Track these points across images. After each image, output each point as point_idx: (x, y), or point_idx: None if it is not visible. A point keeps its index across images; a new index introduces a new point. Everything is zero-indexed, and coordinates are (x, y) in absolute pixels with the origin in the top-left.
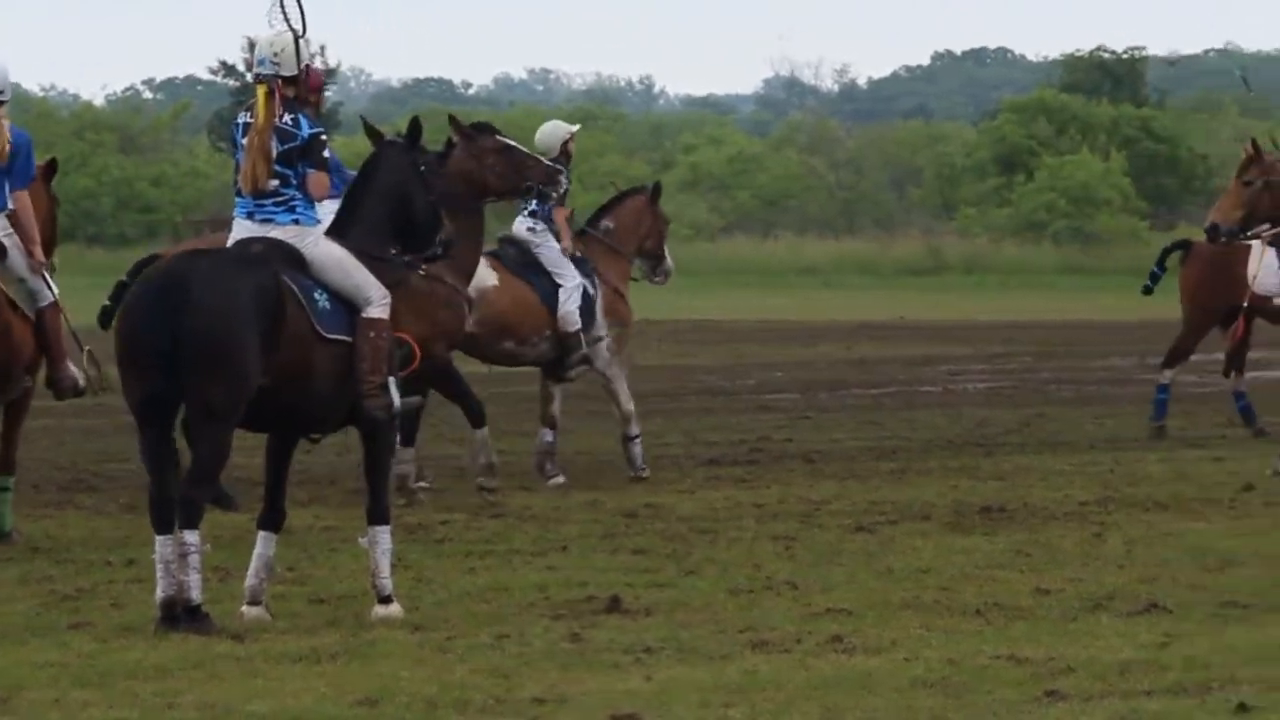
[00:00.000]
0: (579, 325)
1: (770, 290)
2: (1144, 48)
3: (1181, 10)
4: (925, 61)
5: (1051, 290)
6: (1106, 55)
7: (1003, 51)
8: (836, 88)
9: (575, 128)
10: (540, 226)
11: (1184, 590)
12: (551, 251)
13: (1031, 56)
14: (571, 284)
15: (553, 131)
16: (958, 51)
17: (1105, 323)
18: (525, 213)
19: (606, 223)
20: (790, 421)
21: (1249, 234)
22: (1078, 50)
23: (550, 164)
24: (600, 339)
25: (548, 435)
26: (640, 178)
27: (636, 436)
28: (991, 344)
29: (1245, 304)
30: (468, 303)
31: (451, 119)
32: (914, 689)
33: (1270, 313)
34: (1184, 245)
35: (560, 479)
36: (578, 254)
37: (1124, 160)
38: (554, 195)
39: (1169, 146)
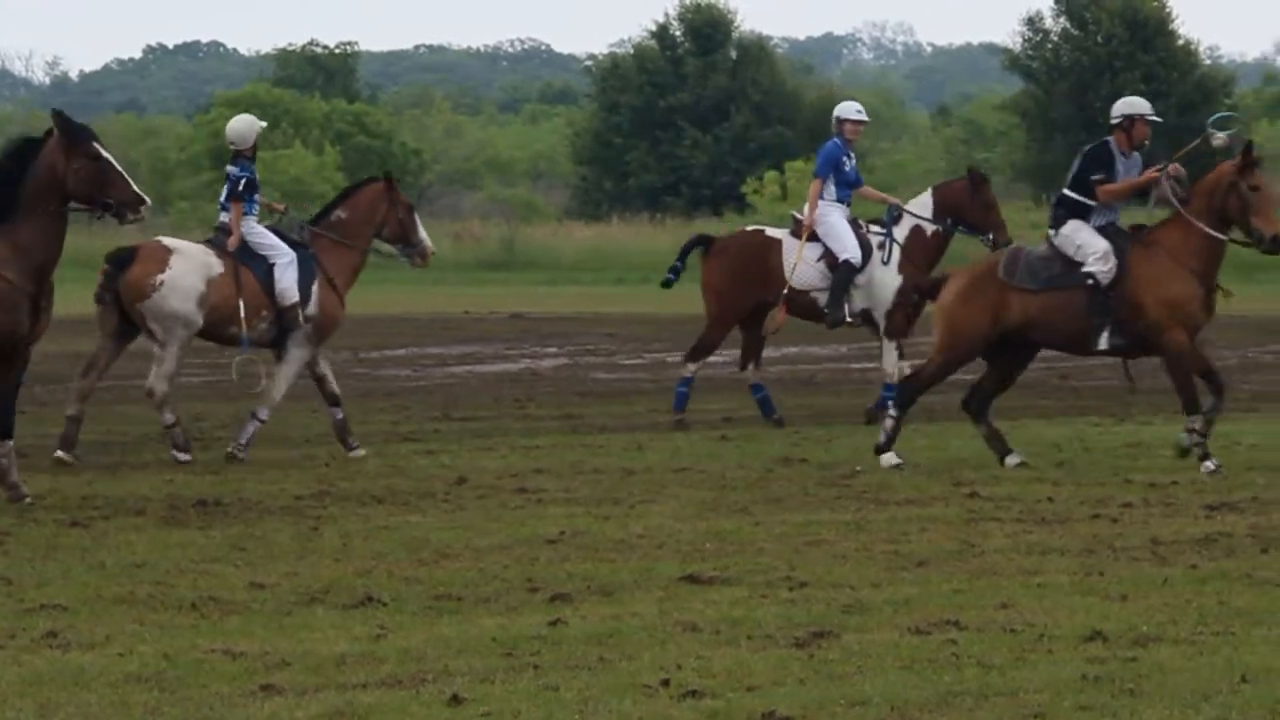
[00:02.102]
0: (296, 298)
1: None
2: (356, 43)
3: (391, 8)
4: (137, 55)
5: None
6: (319, 50)
7: (215, 45)
8: (49, 80)
9: (264, 124)
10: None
11: (399, 583)
12: (259, 235)
13: (244, 51)
14: (284, 259)
15: (249, 125)
16: (170, 45)
17: None
18: (222, 209)
19: (339, 213)
20: None
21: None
22: (290, 45)
23: (138, 192)
24: (311, 319)
25: (338, 414)
26: None
27: (264, 421)
28: None
29: (782, 297)
30: (31, 301)
31: (56, 113)
32: (128, 684)
33: (805, 306)
34: (705, 241)
35: (361, 451)
36: (297, 237)
37: (338, 155)
38: (131, 218)
39: (382, 141)
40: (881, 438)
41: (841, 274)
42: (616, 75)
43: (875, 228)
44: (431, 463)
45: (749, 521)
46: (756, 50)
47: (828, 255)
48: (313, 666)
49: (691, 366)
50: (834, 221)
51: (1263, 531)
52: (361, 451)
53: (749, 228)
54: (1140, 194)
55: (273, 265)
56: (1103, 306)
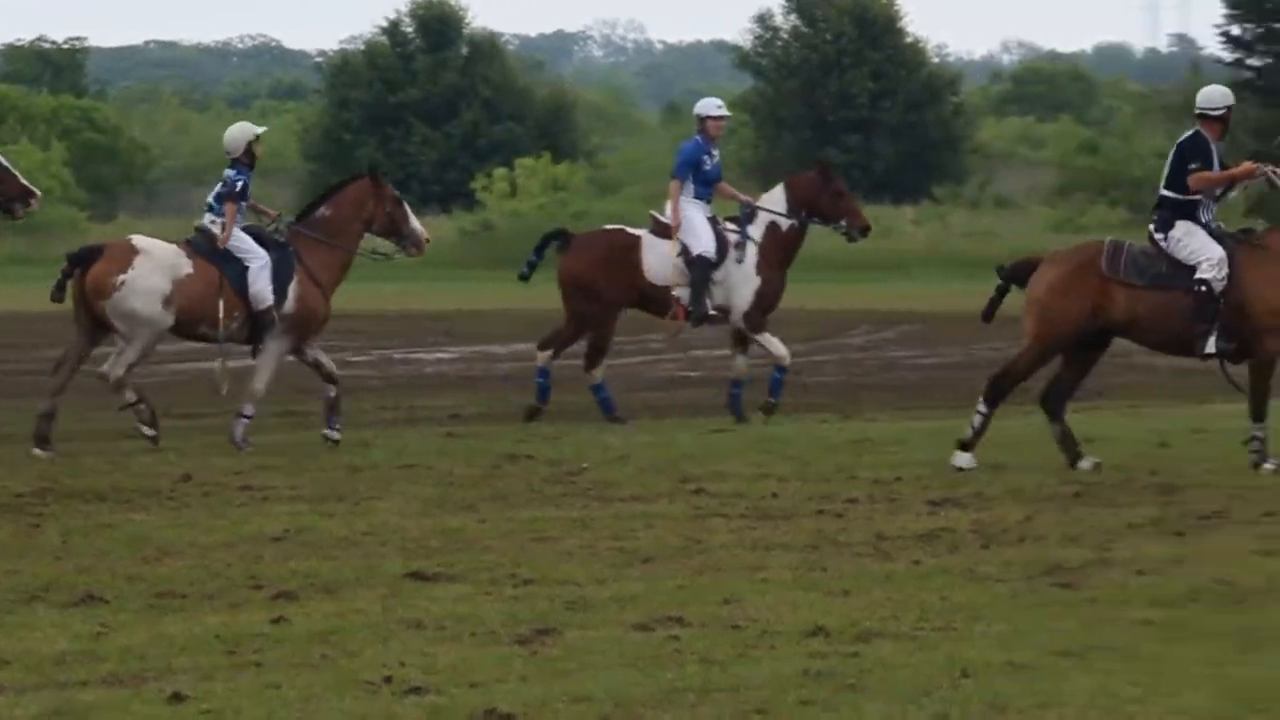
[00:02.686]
0: (270, 301)
1: None
2: (85, 39)
3: (121, 4)
4: None
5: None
6: (47, 45)
7: None
8: None
9: (261, 129)
10: (223, 218)
11: (121, 581)
12: (235, 238)
13: None
14: (258, 263)
15: (241, 132)
16: None
17: (45, 314)
18: (210, 209)
19: (323, 211)
20: None
21: None
22: (18, 40)
23: (26, 184)
24: (286, 316)
25: (330, 391)
26: None
27: (249, 417)
28: None
29: (675, 300)
30: None
31: None
32: None
33: (666, 303)
34: (563, 235)
35: (337, 434)
36: (281, 238)
37: (65, 150)
38: (22, 212)
39: (110, 137)
40: (969, 433)
41: (698, 269)
42: (347, 71)
43: (730, 225)
44: (157, 460)
45: (475, 518)
46: (487, 47)
47: (685, 251)
48: (32, 665)
49: (596, 373)
50: (690, 216)
51: (985, 527)
52: (337, 435)
53: (609, 226)
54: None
55: (247, 268)
56: (1210, 312)
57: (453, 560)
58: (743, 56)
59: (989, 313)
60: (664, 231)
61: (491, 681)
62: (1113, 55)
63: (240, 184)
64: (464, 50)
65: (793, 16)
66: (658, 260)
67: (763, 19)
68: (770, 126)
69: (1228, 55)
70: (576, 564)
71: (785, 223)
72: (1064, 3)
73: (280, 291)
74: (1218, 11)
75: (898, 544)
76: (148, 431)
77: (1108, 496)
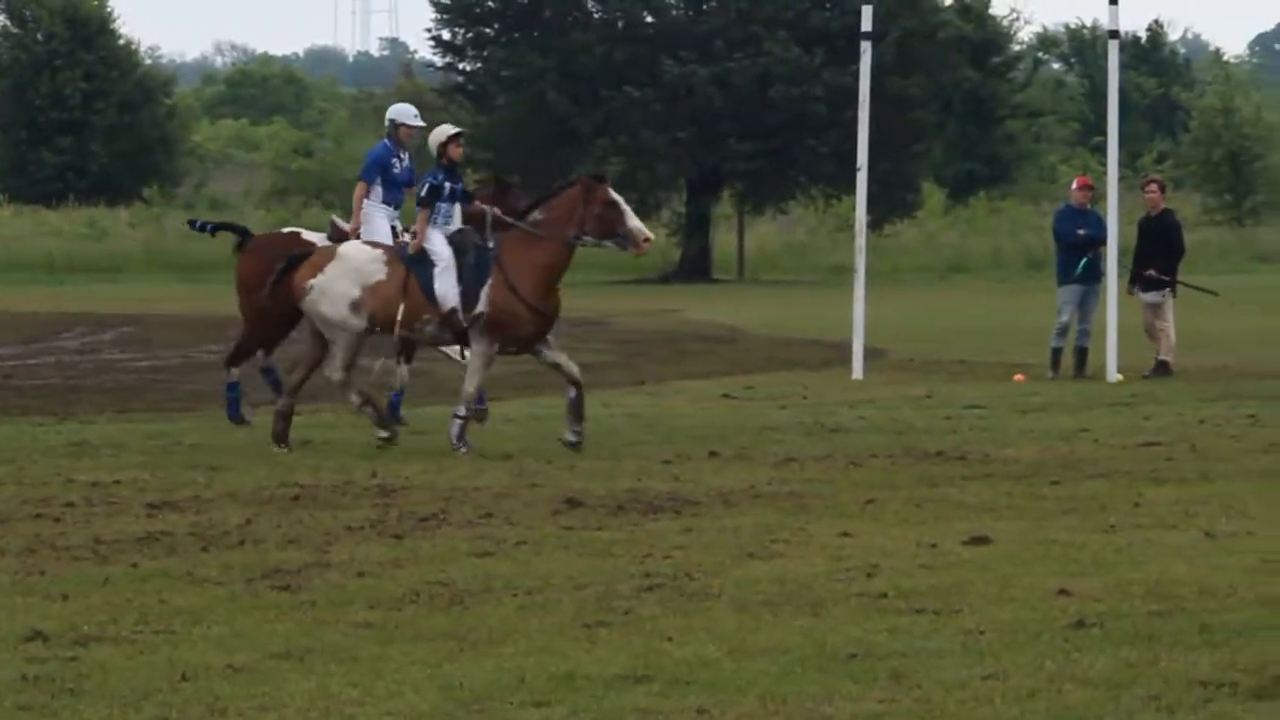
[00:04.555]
0: (454, 303)
1: None
2: None
3: None
4: None
5: None
6: None
7: None
8: None
9: (456, 130)
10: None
11: None
12: (429, 241)
13: None
14: (442, 265)
15: (434, 136)
16: None
17: None
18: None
19: (536, 215)
20: None
21: None
22: None
23: None
24: (480, 317)
25: (571, 392)
26: None
27: (464, 417)
28: None
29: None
30: None
31: None
32: None
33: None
34: (243, 234)
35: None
36: (489, 244)
37: None
38: None
39: None
40: None
41: None
42: None
43: (409, 236)
44: None
45: None
46: None
47: None
48: None
49: (235, 371)
50: (377, 224)
51: (203, 530)
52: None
53: (285, 229)
54: None
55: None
56: None
57: None
58: None
59: None
60: (343, 238)
61: None
62: (325, 58)
63: (426, 186)
64: None
65: (2, 16)
66: None
67: None
68: None
69: (439, 60)
70: None
71: None
72: (276, 6)
73: (475, 294)
74: (428, 16)
75: (116, 547)
76: (381, 434)
77: (327, 499)
